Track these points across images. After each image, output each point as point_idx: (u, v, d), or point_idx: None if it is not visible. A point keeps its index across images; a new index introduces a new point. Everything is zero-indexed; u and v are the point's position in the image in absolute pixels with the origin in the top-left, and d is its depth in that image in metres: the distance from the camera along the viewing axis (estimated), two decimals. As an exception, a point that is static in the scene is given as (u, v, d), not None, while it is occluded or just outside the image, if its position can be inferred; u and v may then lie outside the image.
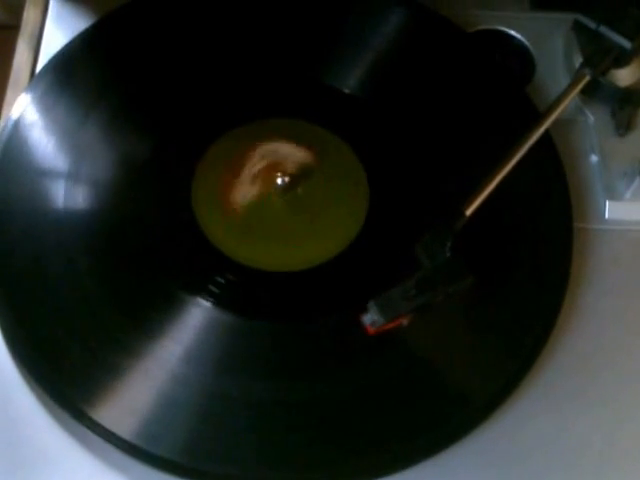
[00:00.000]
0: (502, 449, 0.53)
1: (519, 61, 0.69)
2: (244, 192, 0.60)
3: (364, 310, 0.50)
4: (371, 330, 0.50)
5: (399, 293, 0.50)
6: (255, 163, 0.61)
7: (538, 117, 0.60)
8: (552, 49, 0.68)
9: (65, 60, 0.64)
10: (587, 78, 0.61)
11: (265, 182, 0.60)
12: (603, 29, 0.64)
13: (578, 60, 0.65)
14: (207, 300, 0.55)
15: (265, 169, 0.60)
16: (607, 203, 0.61)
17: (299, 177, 0.60)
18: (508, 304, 0.57)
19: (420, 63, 0.66)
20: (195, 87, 0.64)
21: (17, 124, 0.60)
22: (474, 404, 0.53)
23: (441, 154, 0.62)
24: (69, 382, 0.52)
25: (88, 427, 0.51)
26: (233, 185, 0.60)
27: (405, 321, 0.50)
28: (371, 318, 0.50)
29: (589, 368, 0.56)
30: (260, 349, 0.54)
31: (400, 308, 0.50)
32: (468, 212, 0.55)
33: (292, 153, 0.61)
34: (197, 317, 0.55)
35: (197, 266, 0.57)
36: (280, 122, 0.63)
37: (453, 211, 0.55)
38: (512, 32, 0.69)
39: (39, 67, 0.65)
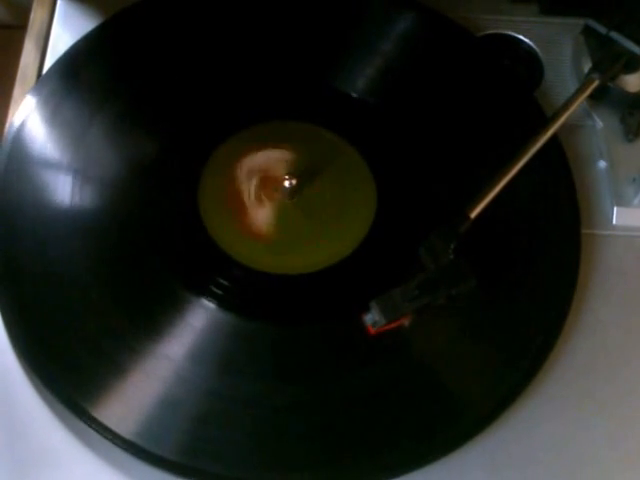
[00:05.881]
0: (506, 455, 0.52)
1: (528, 66, 0.68)
2: (250, 195, 0.60)
3: (366, 310, 0.50)
4: (372, 330, 0.50)
5: (401, 294, 0.50)
6: (260, 167, 0.61)
7: (546, 122, 0.60)
8: (561, 54, 0.68)
9: (71, 61, 0.64)
10: (596, 83, 0.61)
11: (272, 185, 0.60)
12: (613, 34, 0.64)
13: (587, 65, 0.64)
14: (211, 301, 0.55)
15: (271, 173, 0.60)
16: (615, 209, 0.61)
17: (306, 180, 0.60)
18: (514, 310, 0.56)
19: (429, 67, 0.66)
20: (203, 89, 0.64)
21: (23, 125, 0.60)
22: (479, 410, 0.53)
23: (449, 158, 0.62)
24: (72, 380, 0.52)
25: (90, 425, 0.51)
26: (239, 187, 0.60)
27: (406, 322, 0.50)
28: (372, 318, 0.49)
29: (595, 375, 0.55)
30: (263, 351, 0.54)
31: (402, 309, 0.49)
32: (472, 215, 0.54)
33: (297, 157, 0.61)
34: (201, 318, 0.54)
35: (202, 267, 0.57)
36: (288, 125, 0.63)
37: (458, 213, 0.55)
38: (521, 37, 0.69)
39: (46, 67, 0.65)
